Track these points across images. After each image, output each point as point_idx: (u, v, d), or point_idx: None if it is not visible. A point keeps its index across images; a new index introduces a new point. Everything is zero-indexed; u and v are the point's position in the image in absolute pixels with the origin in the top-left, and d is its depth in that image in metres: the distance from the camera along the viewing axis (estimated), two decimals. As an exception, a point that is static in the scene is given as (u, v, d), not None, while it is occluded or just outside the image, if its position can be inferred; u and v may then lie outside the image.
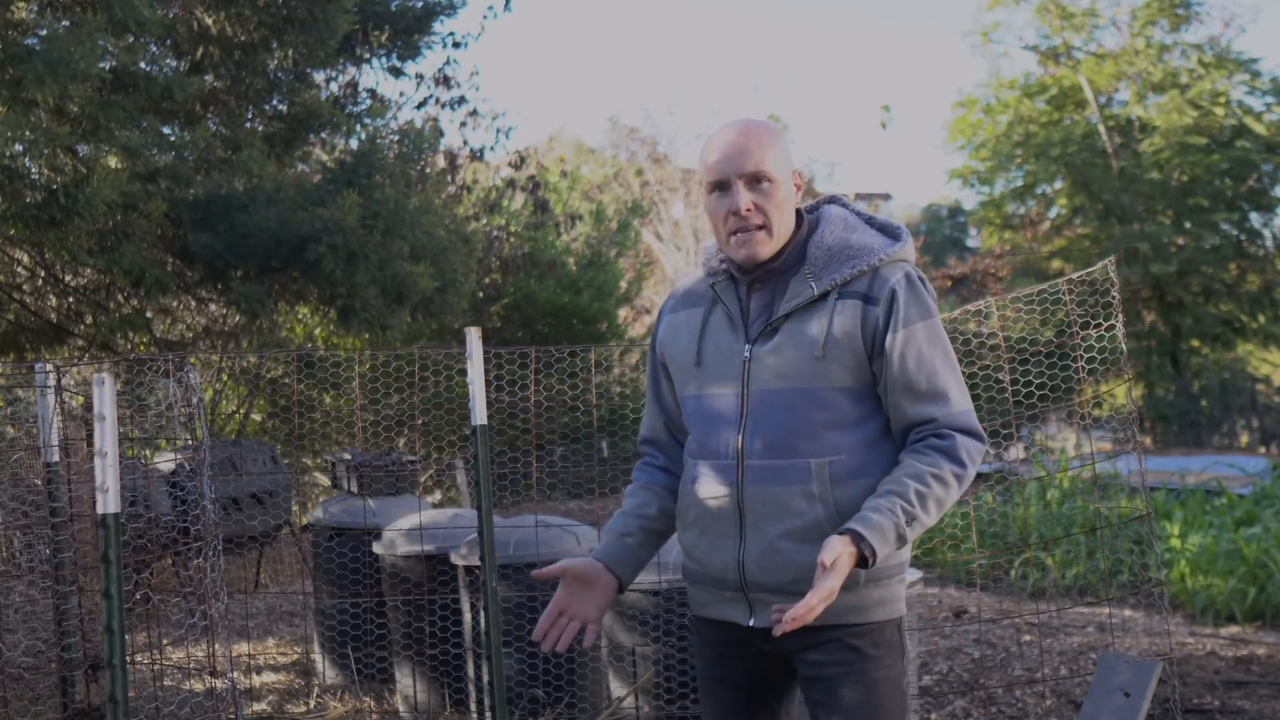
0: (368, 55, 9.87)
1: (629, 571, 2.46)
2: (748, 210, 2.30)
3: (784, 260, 2.36)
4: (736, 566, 2.33)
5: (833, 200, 2.47)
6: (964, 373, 4.87)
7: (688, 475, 2.44)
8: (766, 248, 2.33)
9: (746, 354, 2.34)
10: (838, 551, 2.12)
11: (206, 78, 8.63)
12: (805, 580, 2.25)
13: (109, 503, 3.37)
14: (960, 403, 2.31)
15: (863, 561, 2.16)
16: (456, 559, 4.91)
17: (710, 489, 2.36)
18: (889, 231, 2.40)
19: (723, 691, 2.46)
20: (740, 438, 2.32)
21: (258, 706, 5.46)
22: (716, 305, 2.42)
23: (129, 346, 9.38)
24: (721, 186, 2.32)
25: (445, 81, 12.84)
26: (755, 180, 2.30)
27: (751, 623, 2.35)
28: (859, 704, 2.28)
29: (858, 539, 2.15)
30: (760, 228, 2.31)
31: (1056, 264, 24.01)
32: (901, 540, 2.19)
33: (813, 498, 2.27)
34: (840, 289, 2.31)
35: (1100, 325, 4.47)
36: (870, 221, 2.43)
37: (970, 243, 34.17)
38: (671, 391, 2.53)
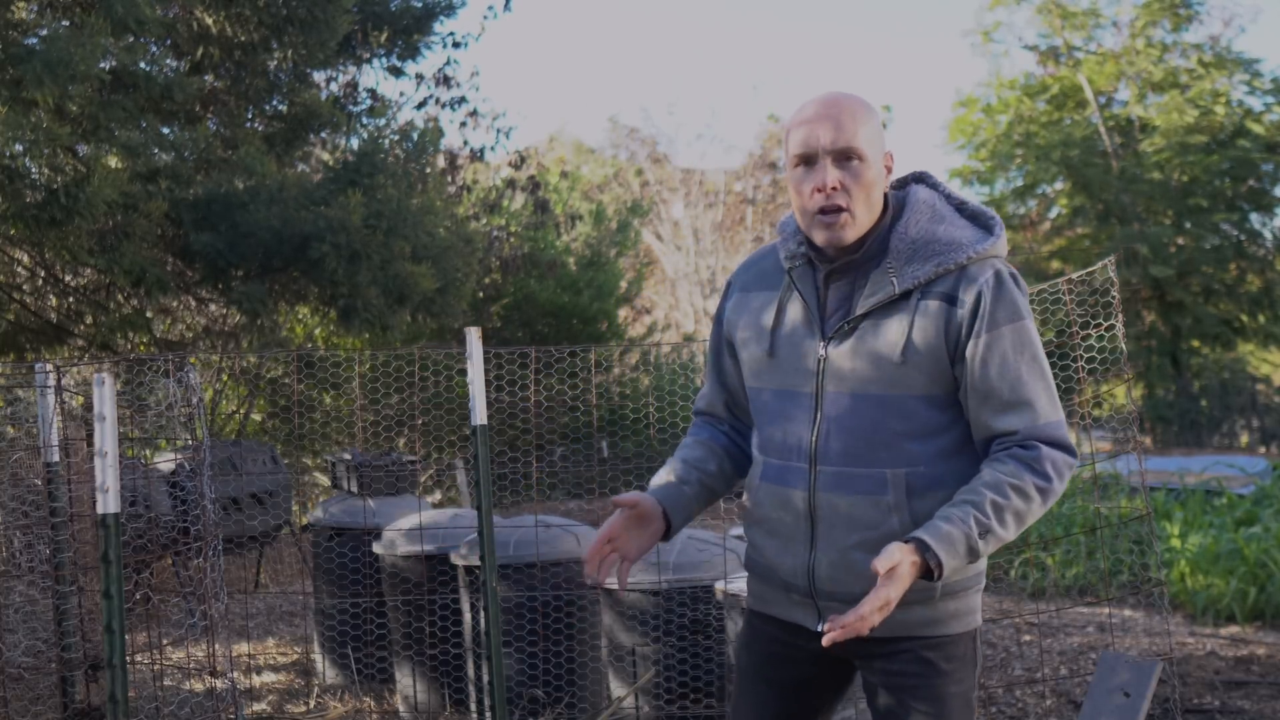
0: (368, 55, 9.87)
1: (680, 519, 2.34)
2: (834, 188, 2.12)
3: (866, 250, 2.18)
4: (807, 573, 2.23)
5: (921, 179, 2.30)
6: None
7: (756, 470, 2.32)
8: (850, 231, 2.15)
9: (822, 353, 2.19)
10: (896, 559, 1.98)
11: (206, 78, 8.63)
12: None
13: (109, 503, 3.37)
14: (1048, 413, 2.14)
15: (928, 573, 2.02)
16: (456, 559, 4.91)
17: (780, 491, 2.24)
18: (981, 222, 2.24)
19: (765, 691, 2.35)
20: (814, 441, 2.19)
21: (258, 706, 5.46)
22: (792, 293, 2.26)
23: (129, 346, 9.38)
24: (807, 161, 2.15)
25: (445, 81, 12.83)
26: (844, 157, 2.13)
27: (821, 628, 2.21)
28: (927, 715, 2.18)
29: (923, 548, 2.01)
30: (845, 210, 2.14)
31: (1056, 264, 24.00)
32: (973, 554, 2.05)
33: (888, 509, 2.14)
34: (924, 288, 2.14)
35: (1100, 325, 4.47)
36: (961, 209, 2.26)
37: (970, 243, 34.18)
38: (736, 370, 2.39)
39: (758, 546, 2.34)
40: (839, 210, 2.14)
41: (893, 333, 2.14)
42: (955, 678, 2.20)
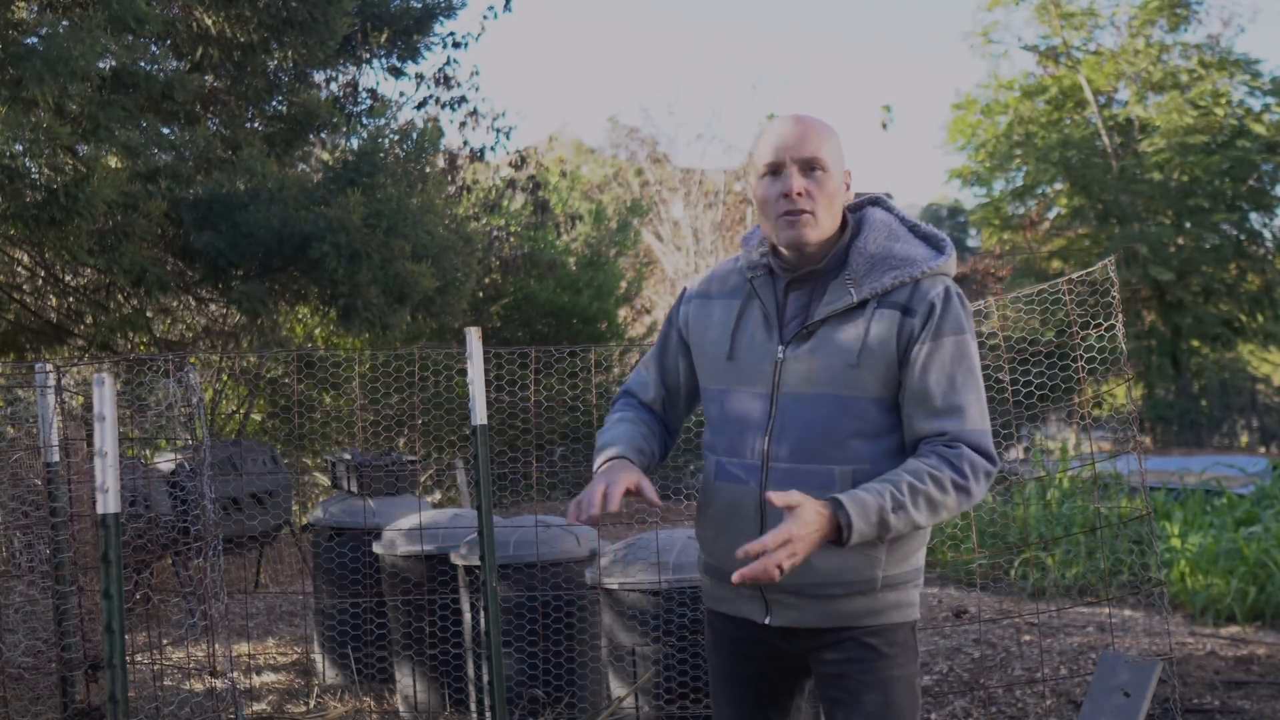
0: (368, 56, 9.87)
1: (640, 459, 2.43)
2: (799, 194, 2.29)
3: (826, 262, 2.35)
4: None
5: (876, 202, 2.46)
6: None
7: (709, 470, 2.42)
8: (814, 232, 2.31)
9: (780, 355, 2.33)
10: (795, 499, 2.08)
11: (206, 78, 8.63)
12: (824, 585, 2.28)
13: (109, 503, 3.37)
14: (977, 422, 2.29)
15: (838, 533, 2.13)
16: (456, 559, 4.91)
17: (733, 488, 2.35)
18: (933, 242, 2.40)
19: (736, 689, 2.48)
20: (767, 440, 2.32)
21: (258, 706, 5.46)
22: (753, 300, 2.40)
23: (129, 346, 9.38)
24: (775, 170, 2.32)
25: (445, 82, 12.82)
26: (809, 166, 2.31)
27: (768, 620, 2.37)
28: (875, 701, 2.31)
29: (836, 505, 2.13)
30: (809, 213, 2.30)
31: (1056, 264, 24.01)
32: (884, 525, 2.16)
33: None
34: (880, 298, 2.30)
35: (1100, 325, 4.47)
36: (915, 230, 2.42)
37: (970, 243, 34.17)
38: (683, 373, 2.53)
39: (709, 545, 2.45)
40: (803, 212, 2.30)
41: (849, 338, 2.29)
42: (898, 662, 2.34)
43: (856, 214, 2.43)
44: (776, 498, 2.08)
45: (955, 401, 2.27)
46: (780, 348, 2.33)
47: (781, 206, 2.30)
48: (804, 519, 2.09)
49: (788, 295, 2.37)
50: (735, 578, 2.07)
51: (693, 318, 2.49)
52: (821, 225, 2.32)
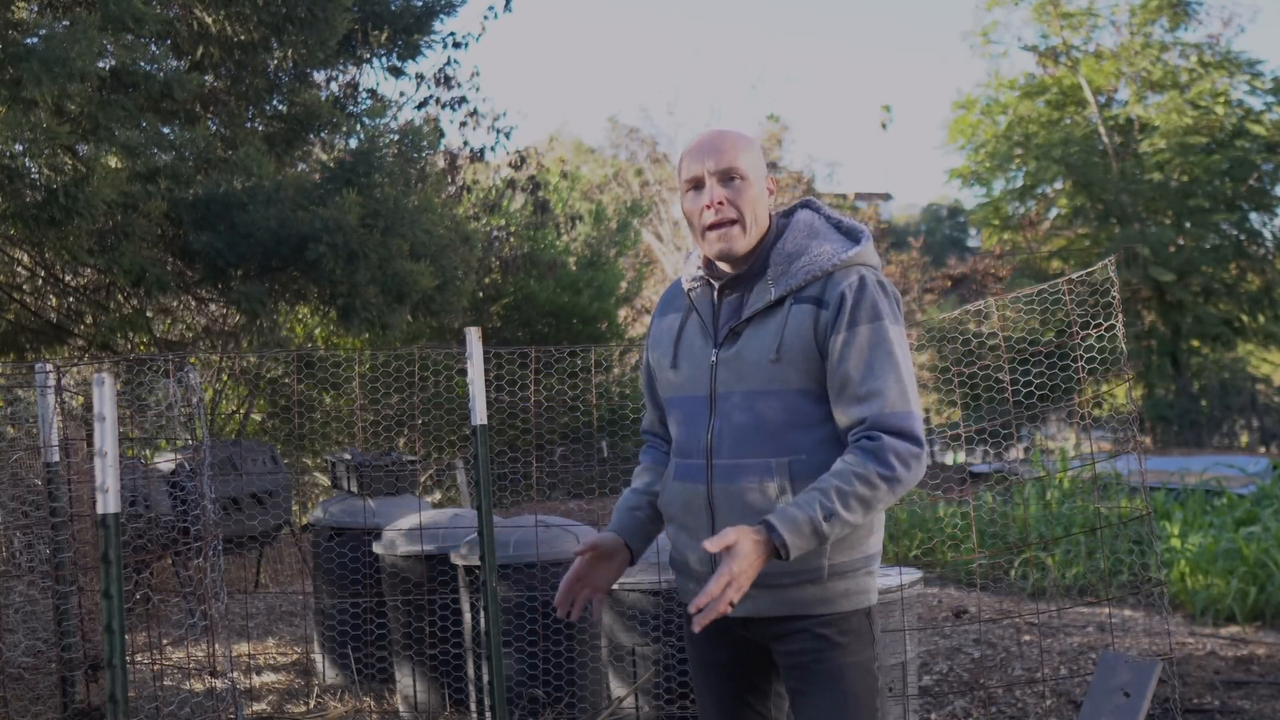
0: (368, 55, 9.86)
1: (640, 543, 2.61)
2: (720, 203, 2.39)
3: (752, 266, 2.45)
4: (709, 559, 2.43)
5: (806, 205, 2.54)
6: (963, 373, 4.89)
7: (669, 472, 2.55)
8: (741, 242, 2.41)
9: (713, 358, 2.44)
10: (729, 539, 2.16)
11: (206, 77, 8.62)
12: (773, 574, 2.36)
13: (109, 503, 3.37)
14: (896, 403, 2.31)
15: (776, 553, 2.22)
16: (456, 559, 4.91)
17: (684, 486, 2.48)
18: (851, 235, 2.47)
19: (712, 675, 2.57)
20: (709, 437, 2.43)
21: (258, 706, 5.46)
22: (691, 312, 2.53)
23: (129, 346, 9.38)
24: (696, 184, 2.43)
25: (446, 82, 12.82)
26: (728, 176, 2.40)
27: (691, 608, 2.43)
28: (829, 689, 2.37)
29: (769, 529, 2.21)
30: (734, 222, 2.40)
31: (1056, 264, 24.02)
32: (819, 535, 2.24)
33: (774, 495, 2.36)
34: (795, 293, 2.39)
35: (1100, 325, 4.47)
36: (838, 225, 2.50)
37: (970, 243, 34.19)
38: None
39: (672, 541, 2.58)
40: (729, 223, 2.40)
41: (769, 335, 2.39)
42: (851, 650, 2.40)
43: (784, 219, 2.51)
44: (710, 545, 2.15)
45: (873, 386, 2.31)
46: (714, 351, 2.44)
47: (706, 219, 2.41)
48: (740, 554, 2.17)
49: (721, 301, 2.48)
50: (696, 627, 2.16)
51: (652, 337, 2.64)
52: (749, 234, 2.42)
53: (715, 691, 2.57)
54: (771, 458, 2.36)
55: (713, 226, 2.40)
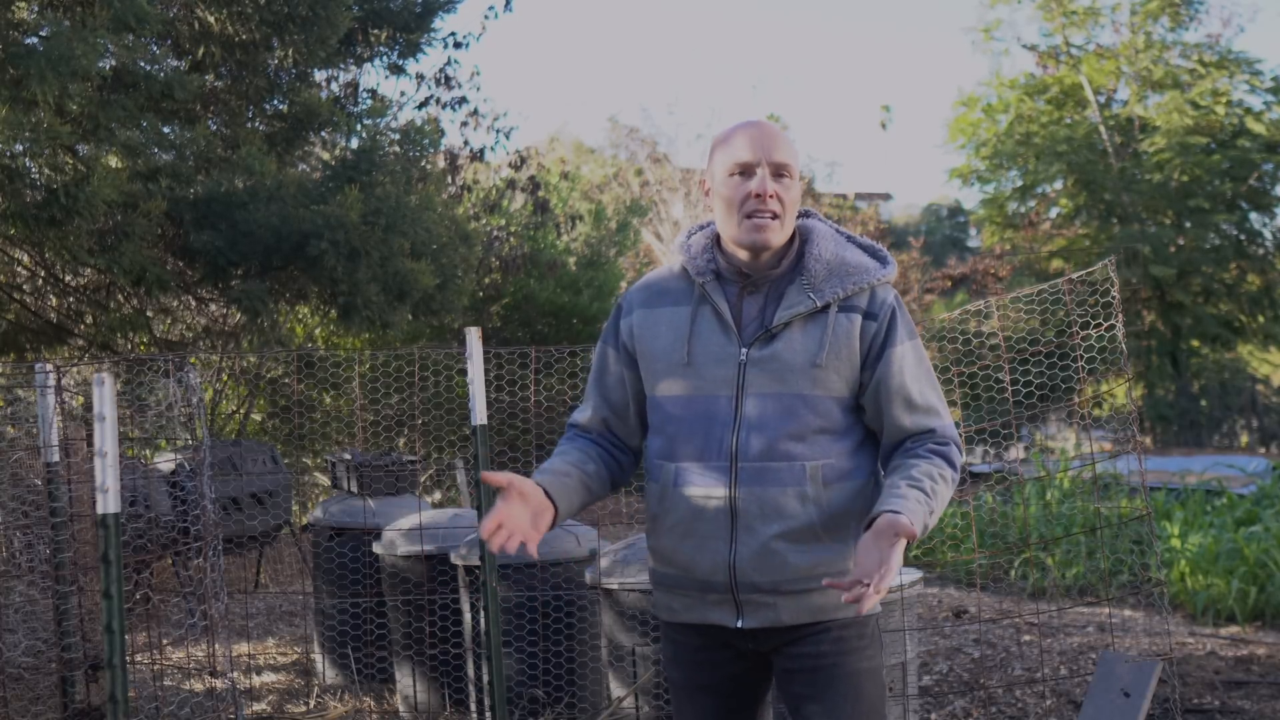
0: (368, 54, 9.86)
1: (565, 506, 2.42)
2: (771, 195, 2.37)
3: (782, 267, 2.43)
4: (727, 568, 2.37)
5: (809, 214, 2.56)
6: (964, 373, 4.90)
7: (666, 479, 2.43)
8: (777, 236, 2.40)
9: (743, 357, 2.39)
10: (881, 525, 2.19)
11: (207, 77, 8.62)
12: (799, 580, 2.33)
13: (109, 503, 3.37)
14: (948, 418, 2.47)
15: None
16: (456, 559, 4.91)
17: (700, 491, 2.39)
18: (876, 254, 2.51)
19: (702, 698, 2.50)
20: (734, 439, 2.36)
21: (258, 706, 5.46)
22: (704, 305, 2.44)
23: (129, 346, 9.37)
24: (746, 171, 2.39)
25: (446, 81, 12.81)
26: (780, 172, 2.40)
27: (739, 624, 2.39)
28: (847, 693, 2.36)
29: (894, 515, 2.22)
30: (775, 217, 2.39)
31: (1056, 264, 24.00)
32: (924, 529, 2.27)
33: (806, 499, 2.34)
34: (841, 303, 2.40)
35: (1100, 325, 4.47)
36: (852, 240, 2.54)
37: (970, 243, 34.15)
38: (629, 386, 2.53)
39: (667, 554, 2.46)
40: (773, 216, 2.39)
41: (813, 340, 2.38)
42: (867, 654, 2.41)
43: (801, 223, 2.53)
44: (903, 531, 2.16)
45: (931, 401, 2.43)
46: (743, 350, 2.39)
47: (751, 206, 2.38)
48: (900, 544, 2.18)
49: (742, 299, 2.43)
50: (864, 607, 2.11)
51: (638, 328, 2.50)
52: (785, 230, 2.42)
53: (704, 714, 2.51)
54: (807, 461, 2.35)
55: (758, 213, 2.38)
